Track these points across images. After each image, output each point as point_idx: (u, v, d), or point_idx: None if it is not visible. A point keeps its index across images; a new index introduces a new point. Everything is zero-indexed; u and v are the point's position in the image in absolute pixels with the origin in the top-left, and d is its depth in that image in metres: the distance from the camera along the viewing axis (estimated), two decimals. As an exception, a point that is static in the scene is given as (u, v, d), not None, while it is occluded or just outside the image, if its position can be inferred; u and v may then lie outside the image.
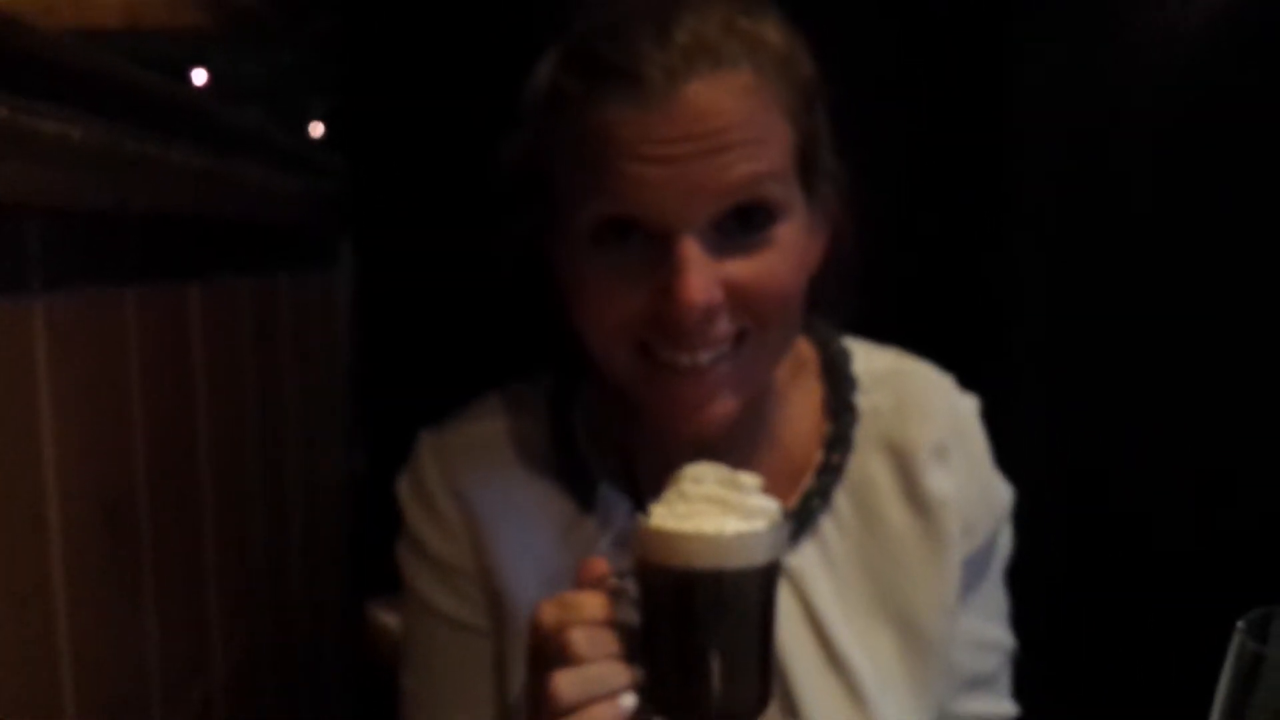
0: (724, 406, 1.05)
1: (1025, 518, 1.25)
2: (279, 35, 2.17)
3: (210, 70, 1.95)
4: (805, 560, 1.15)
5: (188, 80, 1.85)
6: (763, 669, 0.89)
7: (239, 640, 1.42)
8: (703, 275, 0.97)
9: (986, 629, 1.22)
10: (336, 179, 2.00)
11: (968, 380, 1.24)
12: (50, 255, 0.95)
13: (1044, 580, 1.68)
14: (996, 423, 1.23)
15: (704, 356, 1.02)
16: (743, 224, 1.00)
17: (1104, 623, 1.81)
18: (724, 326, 1.01)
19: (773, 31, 1.02)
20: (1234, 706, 0.68)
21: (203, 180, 1.30)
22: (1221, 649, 0.69)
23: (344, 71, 2.07)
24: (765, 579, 0.87)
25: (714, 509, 0.85)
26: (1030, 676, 1.28)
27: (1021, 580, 1.26)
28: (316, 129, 2.30)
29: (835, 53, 1.04)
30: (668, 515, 0.86)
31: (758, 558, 0.85)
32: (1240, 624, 0.68)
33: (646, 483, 1.08)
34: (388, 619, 1.70)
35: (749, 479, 0.87)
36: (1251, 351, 1.75)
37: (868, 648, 1.14)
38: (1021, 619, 1.27)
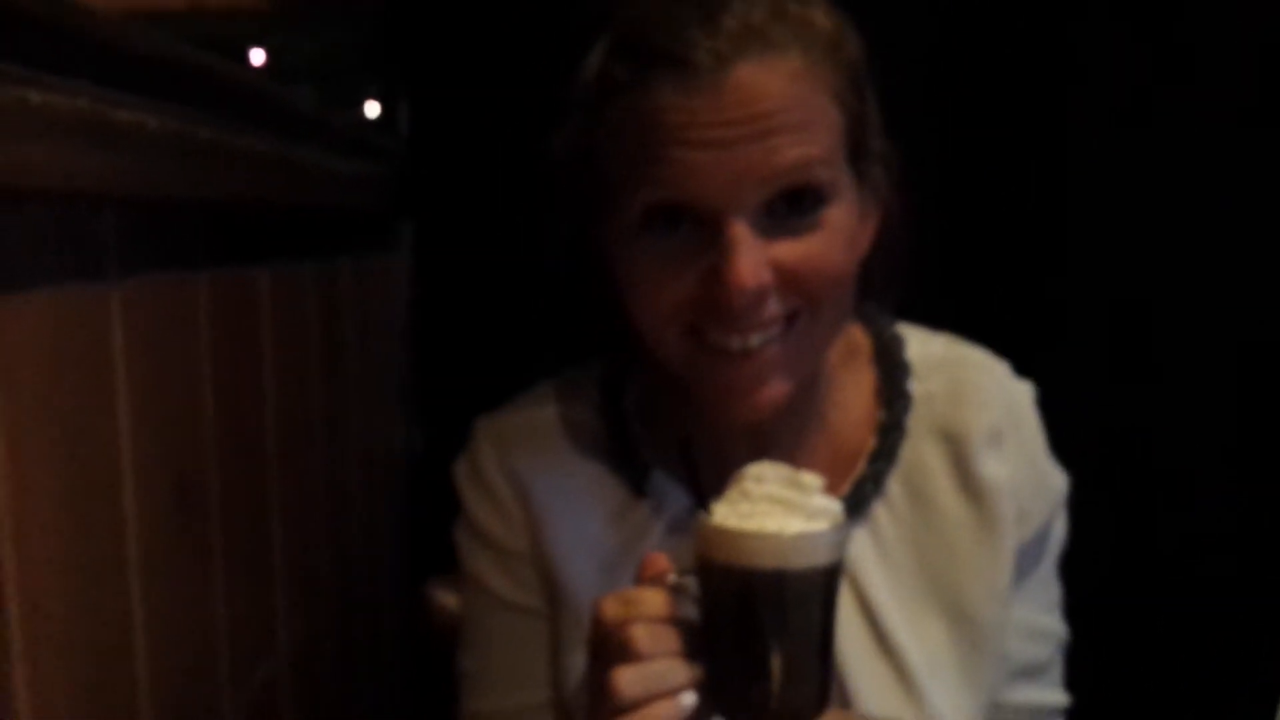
0: (775, 389, 1.06)
1: (1079, 507, 1.25)
2: (336, 15, 2.20)
3: (267, 50, 1.97)
4: (858, 546, 1.16)
5: (246, 60, 1.88)
6: (823, 669, 0.90)
7: (301, 618, 1.45)
8: (753, 257, 0.98)
9: (1039, 618, 1.22)
10: (396, 161, 2.02)
11: (1021, 368, 1.24)
12: (126, 242, 0.98)
13: (1098, 571, 1.67)
14: (1051, 411, 1.23)
15: (754, 339, 1.03)
16: (792, 207, 1.01)
17: (1158, 615, 1.80)
18: (774, 308, 1.02)
19: (821, 15, 1.03)
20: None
21: (271, 166, 1.33)
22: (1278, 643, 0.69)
23: (401, 51, 2.09)
24: (827, 579, 0.87)
25: (777, 509, 0.86)
26: (1084, 667, 1.29)
27: (1075, 570, 1.26)
28: (372, 108, 2.33)
29: (885, 34, 1.04)
30: (730, 514, 0.86)
31: (820, 558, 0.86)
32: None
33: (700, 468, 1.10)
34: (446, 598, 1.73)
35: (811, 479, 0.88)
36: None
37: (919, 634, 1.15)
38: (1075, 609, 1.27)
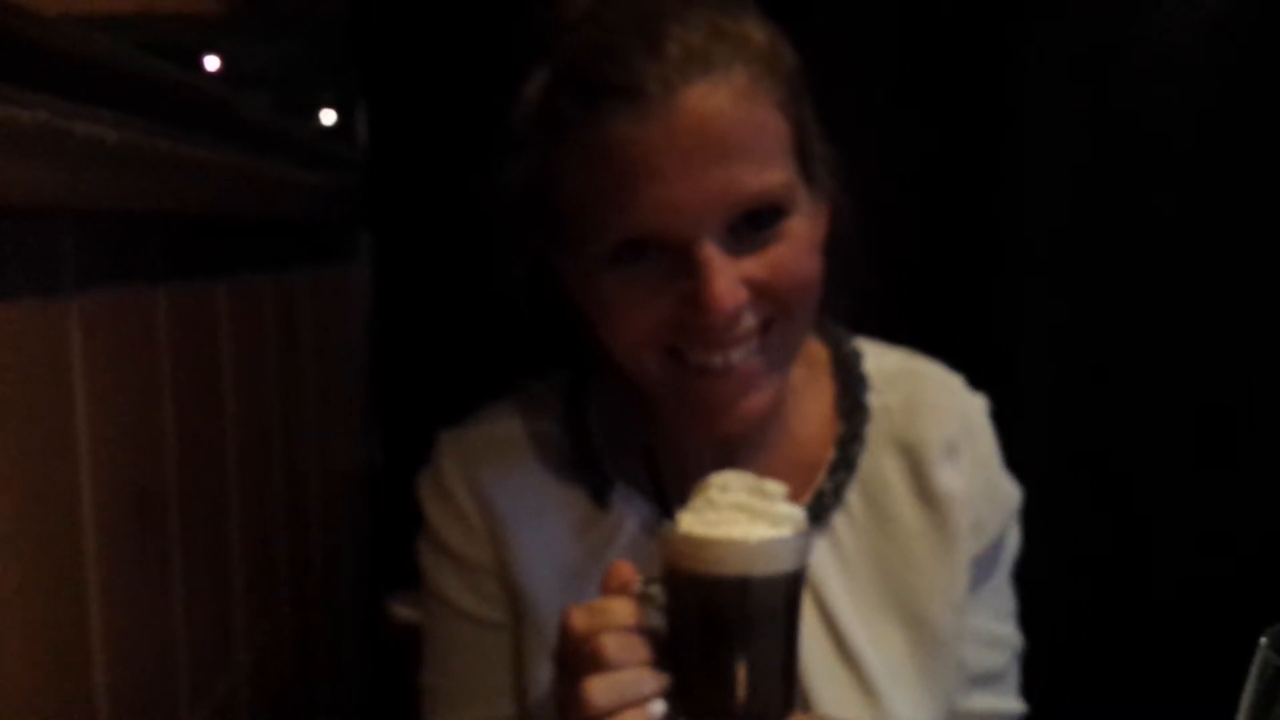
0: (758, 400, 1.08)
1: (1036, 518, 1.28)
2: (292, 22, 2.20)
3: (222, 57, 1.97)
4: (818, 556, 1.18)
5: (199, 67, 1.87)
6: (787, 675, 0.92)
7: (261, 631, 1.46)
8: (727, 278, 1.01)
9: (994, 626, 1.25)
10: (354, 171, 2.03)
11: (974, 380, 1.27)
12: (84, 256, 0.98)
13: (1057, 580, 1.70)
14: (1004, 423, 1.26)
15: (735, 354, 1.05)
16: (755, 223, 1.03)
17: (1117, 626, 1.83)
18: (750, 321, 1.05)
19: (756, 30, 1.05)
20: (1257, 721, 0.69)
21: (230, 179, 1.34)
22: (1237, 657, 0.71)
23: (361, 59, 2.10)
24: (791, 585, 0.89)
25: (742, 516, 0.88)
26: (1042, 677, 1.31)
27: (1034, 580, 1.29)
28: (328, 117, 2.33)
29: (839, 58, 1.05)
30: (696, 522, 0.88)
31: (785, 564, 0.88)
32: (1263, 640, 0.69)
33: (664, 479, 1.12)
34: (406, 612, 1.74)
35: (775, 487, 0.90)
36: (1263, 354, 1.77)
37: (878, 643, 1.17)
38: (1035, 619, 1.29)
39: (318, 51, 2.28)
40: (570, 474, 1.22)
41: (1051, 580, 1.56)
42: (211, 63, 2.04)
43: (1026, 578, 1.29)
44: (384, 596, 1.65)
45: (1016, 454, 1.27)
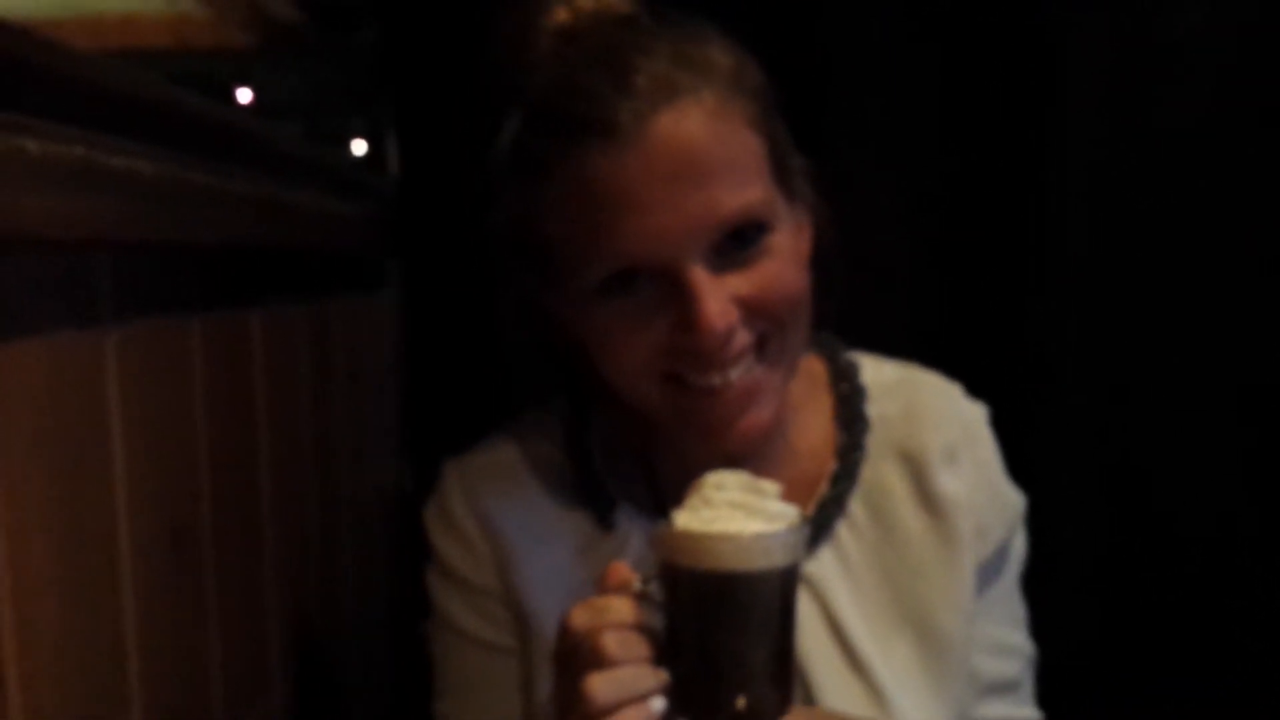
0: (761, 415, 1.12)
1: (1064, 525, 1.27)
2: (322, 52, 2.22)
3: (253, 88, 1.98)
4: (824, 567, 1.20)
5: (232, 98, 1.89)
6: (784, 671, 0.95)
7: (295, 661, 1.46)
8: (717, 299, 1.04)
9: (1004, 633, 1.26)
10: (384, 200, 2.03)
11: (1006, 388, 1.27)
12: (120, 288, 1.01)
13: (1082, 589, 1.68)
14: (1037, 430, 1.25)
15: (733, 372, 1.08)
16: (738, 241, 1.07)
17: (1136, 636, 1.81)
18: (744, 339, 1.09)
19: (718, 52, 1.10)
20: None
21: (263, 210, 1.35)
22: (1259, 668, 0.70)
23: (390, 90, 2.11)
24: (786, 580, 0.93)
25: (737, 513, 0.92)
26: (1060, 687, 1.30)
27: (1060, 587, 1.28)
28: (359, 147, 2.34)
29: (880, 75, 1.05)
30: (692, 519, 0.93)
31: (779, 559, 0.92)
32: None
33: (668, 499, 1.12)
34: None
35: (769, 485, 0.95)
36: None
37: (886, 651, 1.19)
38: (1054, 628, 1.29)
39: (349, 81, 2.30)
40: (573, 497, 1.25)
41: (1071, 589, 1.54)
42: (244, 95, 2.06)
43: (1045, 587, 1.28)
44: (418, 622, 1.64)
45: (1038, 463, 1.26)
